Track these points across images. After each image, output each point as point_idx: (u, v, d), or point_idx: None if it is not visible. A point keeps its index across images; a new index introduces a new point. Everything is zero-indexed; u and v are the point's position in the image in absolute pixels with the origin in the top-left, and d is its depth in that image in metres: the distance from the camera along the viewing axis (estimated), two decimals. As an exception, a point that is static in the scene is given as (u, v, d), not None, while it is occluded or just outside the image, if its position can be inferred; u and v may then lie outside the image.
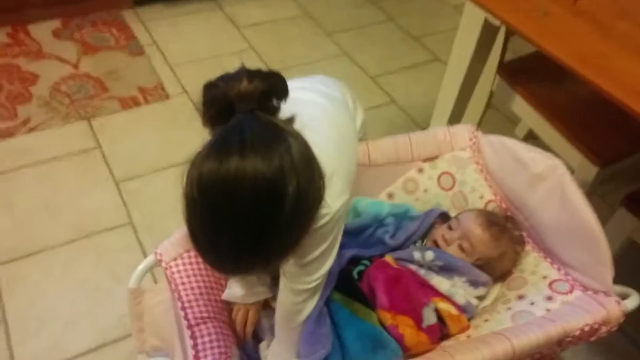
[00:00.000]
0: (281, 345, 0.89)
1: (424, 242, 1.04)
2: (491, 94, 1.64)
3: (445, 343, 0.93)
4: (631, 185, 1.32)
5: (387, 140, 1.13)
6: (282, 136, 0.63)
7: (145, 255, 1.52)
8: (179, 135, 1.87)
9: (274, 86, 0.65)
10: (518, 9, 1.14)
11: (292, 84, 0.69)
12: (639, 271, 1.22)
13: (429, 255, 0.98)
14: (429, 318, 0.91)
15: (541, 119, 1.45)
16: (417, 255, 0.98)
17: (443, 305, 0.93)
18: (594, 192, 1.39)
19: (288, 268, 0.81)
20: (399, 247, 1.02)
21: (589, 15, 1.13)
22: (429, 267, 0.98)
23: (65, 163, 1.75)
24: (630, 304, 0.88)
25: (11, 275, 1.44)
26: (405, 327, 0.89)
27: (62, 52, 2.15)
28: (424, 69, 2.30)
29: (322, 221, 0.74)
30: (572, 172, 1.33)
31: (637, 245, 1.26)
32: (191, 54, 2.23)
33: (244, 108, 0.63)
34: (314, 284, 0.82)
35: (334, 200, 0.75)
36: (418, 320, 0.91)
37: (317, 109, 0.85)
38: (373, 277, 0.94)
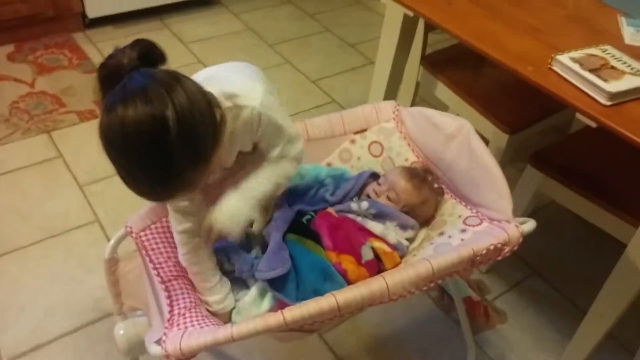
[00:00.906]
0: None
1: (359, 198, 1.22)
2: (417, 84, 1.86)
3: (381, 275, 1.09)
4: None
5: (321, 118, 1.29)
6: (160, 80, 0.76)
7: (113, 248, 1.63)
8: (137, 142, 1.99)
9: (145, 47, 0.79)
10: (428, 1, 1.36)
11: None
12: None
13: (364, 205, 1.14)
14: (367, 254, 1.07)
15: (460, 100, 1.68)
16: (354, 206, 1.15)
17: (377, 244, 1.09)
18: (508, 159, 1.62)
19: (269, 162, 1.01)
20: (338, 203, 1.18)
21: (485, 3, 1.37)
22: (365, 215, 1.14)
23: (30, 172, 1.85)
24: (527, 227, 1.04)
25: (-13, 273, 1.54)
26: (348, 264, 1.05)
27: (18, 73, 2.25)
28: (360, 72, 2.52)
29: (246, 113, 0.92)
30: (487, 142, 1.56)
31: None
32: (143, 69, 2.37)
33: (127, 70, 0.77)
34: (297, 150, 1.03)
35: (253, 99, 0.93)
36: (358, 257, 1.06)
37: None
38: (318, 224, 1.09)
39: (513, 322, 1.56)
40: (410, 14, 1.40)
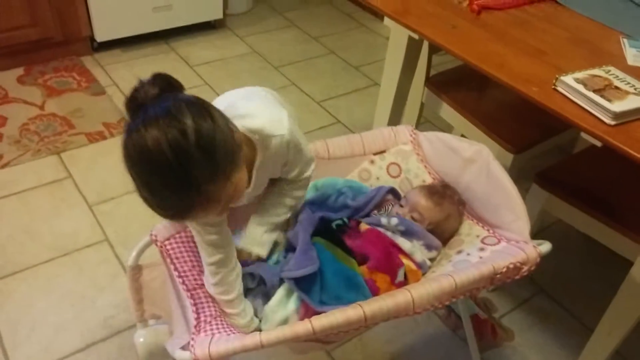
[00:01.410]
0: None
1: (379, 211, 1.24)
2: (422, 105, 1.90)
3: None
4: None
5: (342, 138, 1.34)
6: (178, 104, 0.80)
7: (123, 266, 1.65)
8: (145, 162, 2.02)
9: (164, 81, 0.83)
10: (432, 24, 1.40)
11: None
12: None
13: (394, 221, 1.17)
14: (400, 276, 1.10)
15: (465, 120, 1.71)
16: (384, 220, 1.18)
17: (406, 261, 1.12)
18: (513, 179, 1.64)
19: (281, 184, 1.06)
20: (361, 209, 1.22)
21: (489, 25, 1.40)
22: (393, 232, 1.17)
23: (39, 192, 1.87)
24: (544, 248, 1.08)
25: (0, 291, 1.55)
26: (382, 283, 1.07)
27: (28, 96, 2.28)
28: (364, 93, 2.56)
29: (275, 142, 0.97)
30: (493, 160, 1.59)
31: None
32: (150, 91, 2.40)
33: (150, 100, 0.81)
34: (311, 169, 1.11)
35: (281, 127, 0.97)
36: (393, 277, 1.09)
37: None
38: (361, 243, 1.12)
39: (520, 340, 1.57)
40: (416, 36, 1.44)
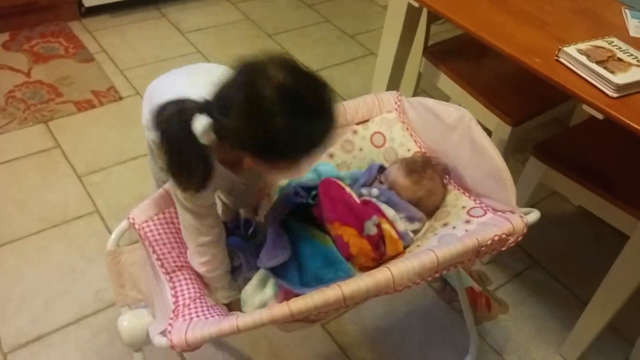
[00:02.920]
0: None
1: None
2: (420, 75, 1.86)
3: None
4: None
5: None
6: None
7: (114, 239, 1.62)
8: (135, 132, 1.98)
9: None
10: (432, -8, 1.35)
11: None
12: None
13: (374, 192, 1.14)
14: (370, 229, 1.06)
15: (463, 91, 1.67)
16: (364, 191, 1.15)
17: (387, 227, 1.08)
18: (510, 151, 1.63)
19: None
20: (351, 187, 1.17)
21: (490, -6, 1.36)
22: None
23: (27, 162, 1.82)
24: (531, 217, 1.05)
25: (-15, 264, 1.52)
26: (350, 236, 1.04)
27: (14, 62, 2.21)
28: (361, 63, 2.51)
29: None
30: (490, 133, 1.56)
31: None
32: (140, 59, 2.34)
33: None
34: None
35: None
36: (360, 230, 1.05)
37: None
38: (322, 192, 1.08)
39: (514, 312, 1.57)
40: (415, 4, 1.39)
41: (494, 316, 1.54)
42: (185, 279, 1.03)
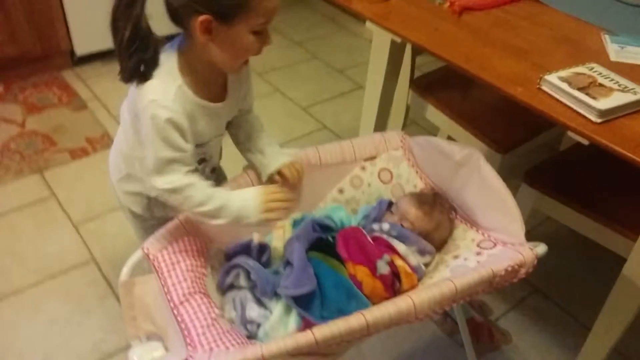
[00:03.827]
0: None
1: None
2: (408, 107, 1.88)
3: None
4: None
5: (333, 145, 1.32)
6: None
7: (111, 287, 1.61)
8: (130, 177, 1.99)
9: None
10: (414, 27, 1.38)
11: None
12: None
13: (385, 226, 1.16)
14: (382, 268, 1.08)
15: (451, 121, 1.69)
16: (375, 226, 1.17)
17: (400, 263, 1.10)
18: (503, 178, 1.63)
19: None
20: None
21: (471, 26, 1.39)
22: (387, 236, 1.16)
23: (22, 213, 1.83)
24: (540, 250, 1.07)
25: (-17, 320, 1.51)
26: (363, 276, 1.06)
27: (8, 114, 2.24)
28: (350, 97, 2.55)
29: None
30: (481, 161, 1.57)
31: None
32: (133, 104, 2.37)
33: None
34: None
35: None
36: (373, 269, 1.07)
37: None
38: (341, 238, 1.11)
39: (517, 341, 1.55)
40: (398, 40, 1.42)
41: (497, 347, 1.52)
42: (199, 304, 1.01)
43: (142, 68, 0.97)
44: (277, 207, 1.06)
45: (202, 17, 0.92)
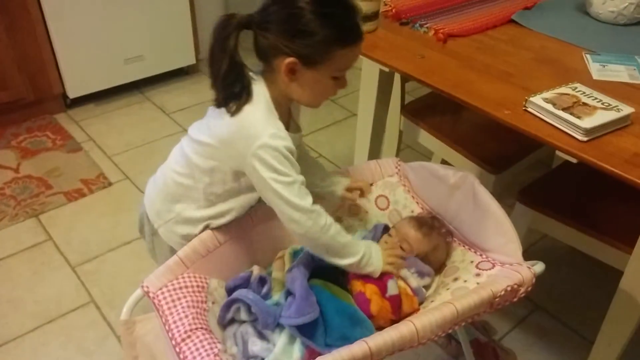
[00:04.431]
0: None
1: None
2: (400, 133, 1.91)
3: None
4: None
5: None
6: None
7: (111, 328, 1.60)
8: (127, 217, 1.99)
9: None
10: (401, 56, 1.41)
11: None
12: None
13: None
14: (392, 289, 1.09)
15: (443, 144, 1.72)
16: None
17: (401, 284, 1.11)
18: (497, 198, 1.65)
19: None
20: None
21: (456, 53, 1.42)
22: None
23: (19, 258, 1.82)
24: (537, 269, 1.09)
25: (-18, 369, 1.49)
26: (372, 294, 1.07)
27: (2, 160, 2.25)
28: (344, 125, 2.58)
29: None
30: (475, 183, 1.59)
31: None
32: (127, 143, 2.39)
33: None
34: None
35: None
36: (383, 289, 1.08)
37: None
38: None
39: (522, 360, 1.55)
40: (386, 69, 1.45)
41: (503, 367, 1.51)
42: (200, 340, 1.00)
43: (233, 99, 1.04)
44: (395, 262, 1.13)
45: (289, 60, 1.00)
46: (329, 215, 1.06)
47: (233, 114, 1.03)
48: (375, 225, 1.29)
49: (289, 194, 1.01)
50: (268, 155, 0.99)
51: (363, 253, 1.08)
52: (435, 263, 1.22)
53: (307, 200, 1.03)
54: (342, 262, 1.07)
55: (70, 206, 2.05)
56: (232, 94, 1.03)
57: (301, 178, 1.03)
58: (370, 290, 1.08)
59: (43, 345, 1.56)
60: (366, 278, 1.10)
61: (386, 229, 1.28)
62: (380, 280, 1.10)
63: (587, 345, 1.43)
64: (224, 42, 1.00)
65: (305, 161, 1.25)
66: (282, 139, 1.01)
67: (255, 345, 1.02)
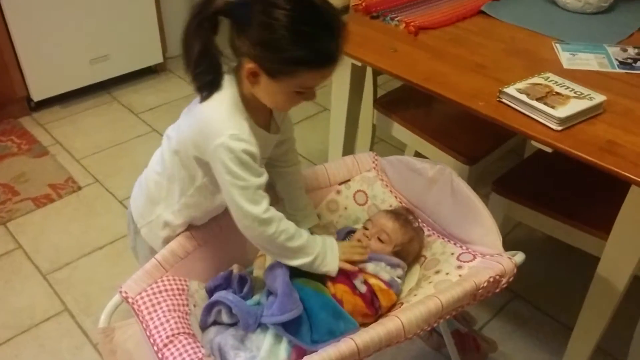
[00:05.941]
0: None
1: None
2: (374, 127, 1.90)
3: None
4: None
5: (307, 171, 1.33)
6: None
7: (87, 336, 1.56)
8: (98, 221, 1.95)
9: None
10: (373, 50, 1.41)
11: None
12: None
13: None
14: (360, 287, 1.09)
15: (417, 137, 1.72)
16: None
17: (373, 281, 1.10)
18: (472, 188, 1.66)
19: None
20: None
21: (428, 45, 1.42)
22: None
23: (-12, 269, 1.76)
24: (518, 259, 1.10)
25: (-48, 386, 1.44)
26: (343, 293, 1.06)
27: (-35, 167, 2.17)
28: (316, 119, 2.56)
29: None
30: (450, 174, 1.60)
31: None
32: (96, 145, 2.33)
33: None
34: None
35: None
36: (352, 287, 1.08)
37: None
38: None
39: (503, 348, 1.56)
40: (358, 63, 1.44)
41: (484, 356, 1.53)
42: (184, 345, 0.98)
43: (205, 88, 1.00)
44: (352, 259, 1.11)
45: (251, 65, 0.95)
46: (283, 220, 1.03)
47: (202, 100, 1.00)
48: (337, 231, 1.28)
49: (240, 198, 0.98)
50: (225, 156, 0.96)
51: (316, 255, 1.05)
52: (412, 254, 1.23)
53: (260, 206, 0.99)
54: (293, 263, 1.05)
55: (39, 212, 1.98)
56: (204, 84, 0.99)
57: (257, 182, 0.99)
58: (340, 290, 1.08)
59: (16, 357, 1.51)
60: (334, 278, 1.09)
61: (350, 232, 1.27)
62: (347, 279, 1.09)
63: (566, 332, 1.45)
64: (200, 23, 0.94)
65: (284, 179, 1.24)
66: (242, 142, 0.96)
67: (239, 357, 1.00)
